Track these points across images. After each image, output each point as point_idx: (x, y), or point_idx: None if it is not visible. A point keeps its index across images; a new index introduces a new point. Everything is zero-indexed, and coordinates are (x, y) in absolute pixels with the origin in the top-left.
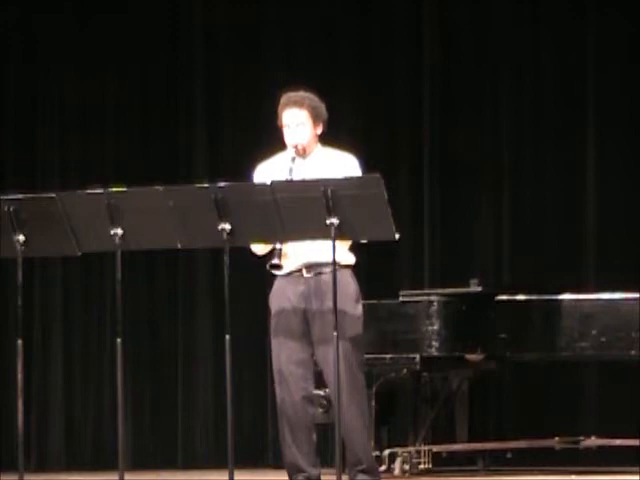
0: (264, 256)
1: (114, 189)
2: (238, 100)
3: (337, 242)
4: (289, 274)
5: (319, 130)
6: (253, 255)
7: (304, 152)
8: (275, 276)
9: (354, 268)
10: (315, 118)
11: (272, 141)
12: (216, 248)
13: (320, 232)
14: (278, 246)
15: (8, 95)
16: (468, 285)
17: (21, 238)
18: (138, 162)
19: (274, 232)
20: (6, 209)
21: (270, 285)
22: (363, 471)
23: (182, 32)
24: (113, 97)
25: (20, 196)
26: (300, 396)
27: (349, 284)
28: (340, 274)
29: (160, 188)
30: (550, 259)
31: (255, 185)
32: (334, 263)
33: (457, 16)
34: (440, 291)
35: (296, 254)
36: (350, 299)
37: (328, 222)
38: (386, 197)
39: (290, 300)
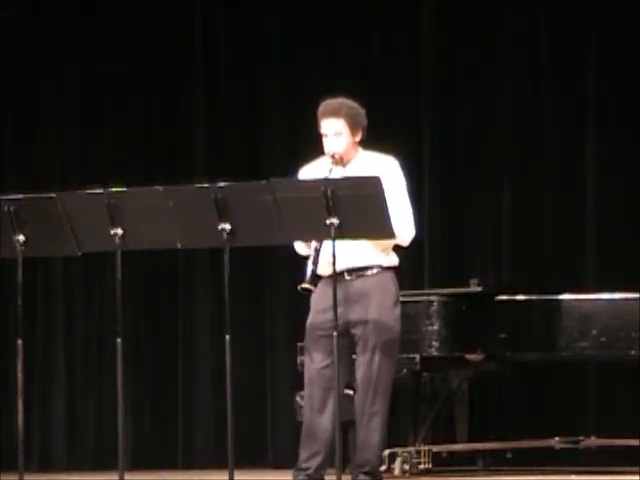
0: (306, 257)
1: (114, 189)
2: (238, 100)
3: (381, 242)
4: (330, 277)
5: (358, 137)
6: (296, 253)
7: (342, 161)
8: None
9: (396, 269)
10: (353, 126)
11: (272, 141)
12: (216, 248)
13: (320, 232)
14: (311, 267)
15: (8, 95)
16: (468, 285)
17: (21, 238)
18: (138, 162)
19: (274, 232)
20: (6, 209)
21: (270, 284)
22: (366, 473)
23: (182, 32)
24: (113, 97)
25: (20, 196)
26: (326, 397)
27: (389, 288)
28: (382, 277)
29: (160, 188)
30: (550, 259)
31: (255, 185)
32: (334, 263)
33: (457, 16)
34: (440, 291)
35: (337, 257)
36: (388, 304)
37: (328, 222)
38: (386, 197)
39: (327, 310)
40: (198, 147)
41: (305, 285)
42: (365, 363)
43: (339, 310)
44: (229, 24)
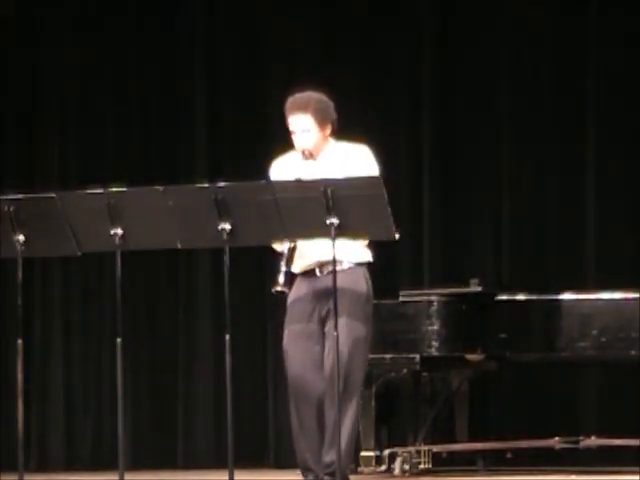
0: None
1: (114, 189)
2: (238, 100)
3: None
4: (304, 273)
5: (327, 131)
6: (273, 251)
7: (311, 156)
8: (295, 275)
9: (370, 265)
10: (321, 121)
11: (272, 141)
12: (216, 248)
13: (320, 232)
14: (283, 268)
15: (7, 94)
16: (468, 285)
17: (21, 238)
18: (138, 162)
19: (274, 232)
20: (6, 209)
21: (271, 281)
22: (332, 475)
23: (183, 31)
24: (113, 97)
25: (20, 196)
26: (316, 394)
27: (360, 284)
28: (353, 272)
29: (160, 188)
30: (550, 259)
31: (255, 185)
32: (334, 262)
33: (457, 17)
34: (440, 291)
35: (310, 252)
36: (359, 300)
37: (328, 222)
38: (386, 197)
39: (303, 295)
40: (198, 147)
41: (279, 288)
42: (333, 361)
43: (311, 305)
44: (230, 24)
